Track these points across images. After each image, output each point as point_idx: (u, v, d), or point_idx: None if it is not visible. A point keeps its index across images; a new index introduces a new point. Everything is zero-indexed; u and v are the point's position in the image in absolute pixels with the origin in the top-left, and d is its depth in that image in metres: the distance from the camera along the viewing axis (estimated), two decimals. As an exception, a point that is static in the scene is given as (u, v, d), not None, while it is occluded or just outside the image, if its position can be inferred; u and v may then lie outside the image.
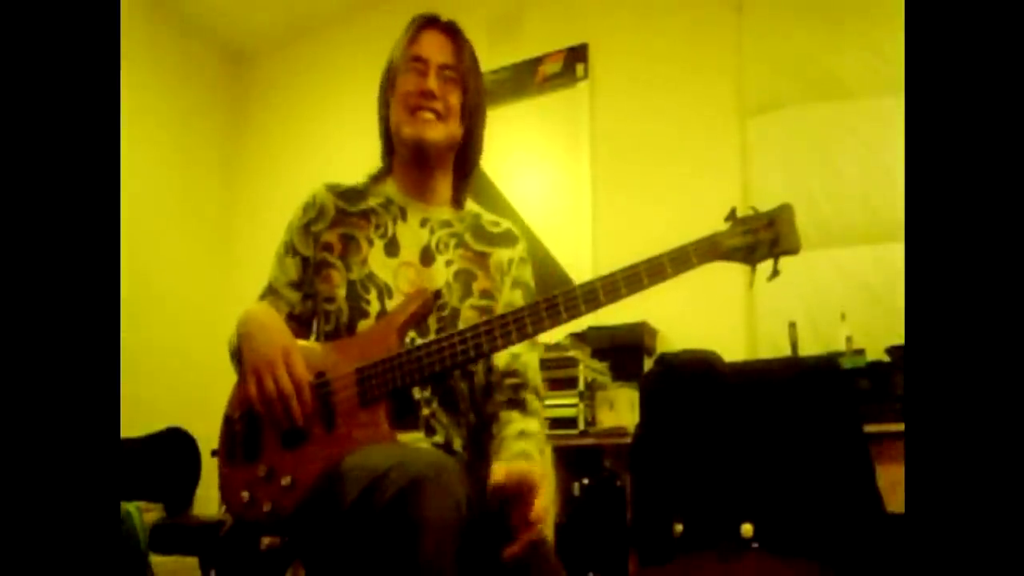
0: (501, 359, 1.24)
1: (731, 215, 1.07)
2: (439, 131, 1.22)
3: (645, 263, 1.03)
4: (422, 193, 1.28)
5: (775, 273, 1.04)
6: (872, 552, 1.69)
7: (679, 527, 1.81)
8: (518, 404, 1.20)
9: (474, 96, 1.27)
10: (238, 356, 1.17)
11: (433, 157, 1.25)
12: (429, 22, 1.27)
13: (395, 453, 0.95)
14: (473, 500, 0.93)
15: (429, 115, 1.21)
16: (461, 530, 0.88)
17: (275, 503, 1.07)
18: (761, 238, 1.04)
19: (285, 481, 1.07)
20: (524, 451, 1.10)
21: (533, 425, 1.18)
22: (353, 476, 0.93)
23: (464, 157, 1.30)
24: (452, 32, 1.27)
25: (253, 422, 1.13)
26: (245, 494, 1.09)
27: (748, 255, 1.04)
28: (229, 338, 1.22)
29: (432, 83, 1.21)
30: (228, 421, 1.16)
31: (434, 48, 1.24)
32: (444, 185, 1.30)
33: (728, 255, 1.05)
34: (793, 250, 1.03)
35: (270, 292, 1.26)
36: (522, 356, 1.25)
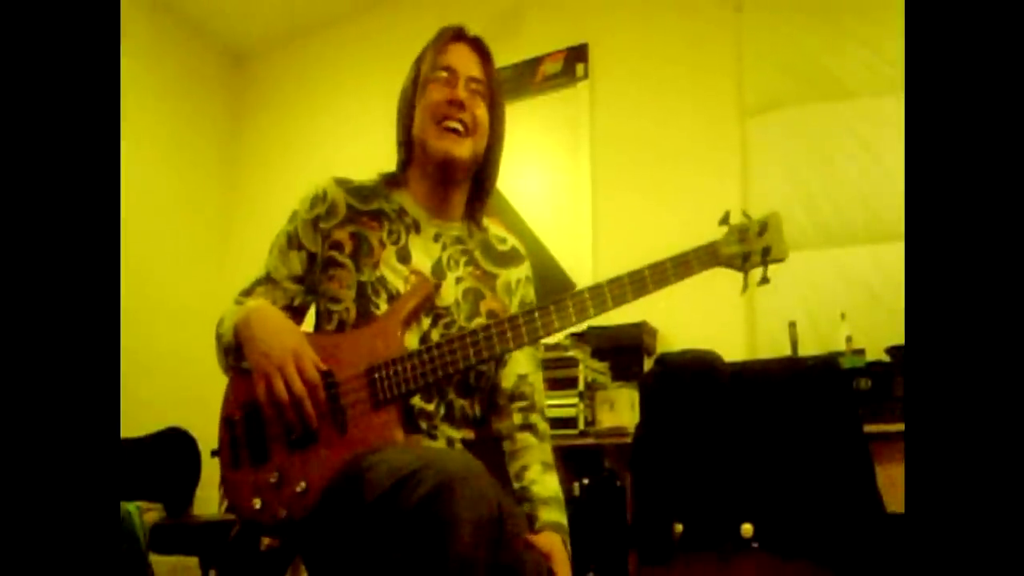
0: (508, 380, 1.25)
1: (725, 219, 1.12)
2: (465, 148, 1.20)
3: (649, 268, 1.08)
4: (438, 208, 1.25)
5: (764, 279, 1.11)
6: (872, 552, 1.69)
7: (679, 527, 1.81)
8: (529, 428, 1.25)
9: (500, 111, 1.26)
10: (233, 352, 1.14)
11: (456, 174, 1.23)
12: (457, 35, 1.26)
13: (422, 454, 0.95)
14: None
15: (456, 124, 1.19)
16: (497, 533, 0.87)
17: (290, 509, 1.04)
18: (754, 247, 1.11)
19: (300, 487, 1.04)
20: (561, 524, 1.16)
21: (549, 454, 1.25)
22: (376, 474, 0.92)
23: (483, 175, 1.28)
24: (480, 47, 1.26)
25: (255, 422, 1.10)
26: (257, 501, 1.06)
27: (743, 262, 1.11)
28: (218, 326, 1.19)
29: (461, 93, 1.20)
30: (228, 422, 1.13)
31: (463, 60, 1.23)
32: (459, 201, 1.28)
33: (726, 262, 1.11)
34: (782, 258, 1.11)
35: (268, 281, 1.22)
36: (529, 377, 1.27)
